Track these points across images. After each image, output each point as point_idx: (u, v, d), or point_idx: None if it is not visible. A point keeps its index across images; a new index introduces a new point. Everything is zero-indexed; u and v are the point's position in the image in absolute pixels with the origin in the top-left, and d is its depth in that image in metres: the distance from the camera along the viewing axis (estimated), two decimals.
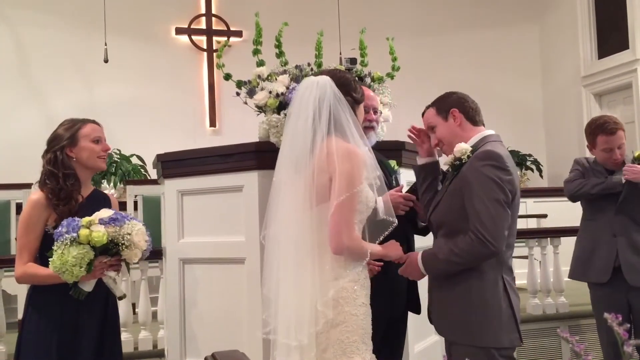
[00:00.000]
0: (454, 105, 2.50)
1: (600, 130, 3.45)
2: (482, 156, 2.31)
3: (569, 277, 3.72)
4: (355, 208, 2.16)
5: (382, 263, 2.46)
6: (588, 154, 3.78)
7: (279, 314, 2.21)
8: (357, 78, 3.56)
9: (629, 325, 1.15)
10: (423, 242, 3.17)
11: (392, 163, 2.96)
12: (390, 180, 2.88)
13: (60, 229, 2.51)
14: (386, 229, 2.27)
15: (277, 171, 2.30)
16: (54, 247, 2.49)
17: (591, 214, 3.56)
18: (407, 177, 3.20)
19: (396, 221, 2.27)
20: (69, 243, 2.47)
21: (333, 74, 2.36)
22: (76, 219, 2.54)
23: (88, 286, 2.59)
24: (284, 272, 2.23)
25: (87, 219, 2.54)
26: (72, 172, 2.69)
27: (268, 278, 2.29)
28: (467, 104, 2.51)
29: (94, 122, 2.83)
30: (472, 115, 2.50)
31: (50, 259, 2.49)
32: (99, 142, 2.78)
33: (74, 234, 2.48)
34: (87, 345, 2.66)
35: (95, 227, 2.53)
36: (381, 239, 2.31)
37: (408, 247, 2.83)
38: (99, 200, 2.80)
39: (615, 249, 3.40)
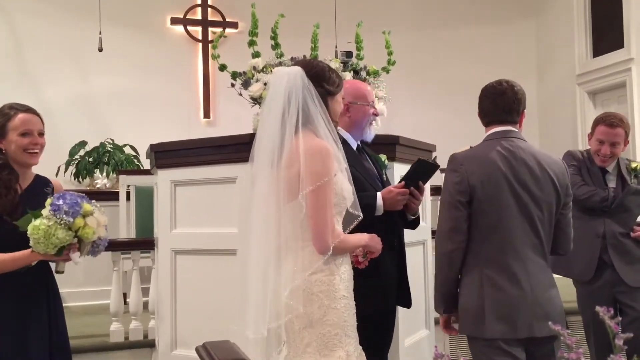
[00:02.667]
0: (478, 106, 2.64)
1: (602, 120, 3.49)
2: (448, 161, 2.53)
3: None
4: (328, 202, 2.14)
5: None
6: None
7: (248, 307, 2.22)
8: (352, 71, 3.57)
9: (620, 319, 1.16)
10: (412, 235, 3.19)
11: (383, 157, 2.96)
12: (381, 174, 2.89)
13: (60, 201, 2.43)
14: (352, 222, 2.27)
15: (253, 164, 2.28)
16: (43, 213, 2.42)
17: (579, 213, 3.54)
18: (400, 171, 3.20)
19: (361, 215, 2.26)
20: (62, 225, 2.42)
21: (306, 64, 2.32)
22: (78, 200, 2.49)
23: (34, 262, 2.55)
24: (253, 266, 2.23)
25: (88, 207, 2.50)
26: (4, 163, 2.59)
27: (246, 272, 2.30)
28: (482, 105, 2.61)
29: (27, 111, 2.65)
30: (483, 116, 2.61)
31: (32, 222, 2.42)
32: (28, 135, 2.61)
33: (71, 219, 2.43)
34: (38, 332, 2.60)
35: (91, 220, 2.49)
36: (349, 229, 2.30)
37: (399, 240, 2.84)
38: (41, 188, 2.69)
39: (599, 249, 3.42)
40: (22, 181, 2.64)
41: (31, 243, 2.44)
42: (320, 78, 2.28)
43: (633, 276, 3.40)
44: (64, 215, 2.42)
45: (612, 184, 3.51)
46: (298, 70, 2.25)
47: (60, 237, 2.42)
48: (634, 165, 3.54)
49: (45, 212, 2.43)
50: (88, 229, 2.48)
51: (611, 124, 3.44)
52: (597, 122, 3.52)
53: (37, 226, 2.40)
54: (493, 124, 2.56)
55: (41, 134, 2.67)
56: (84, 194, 2.61)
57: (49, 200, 2.48)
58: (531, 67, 8.68)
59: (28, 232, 2.43)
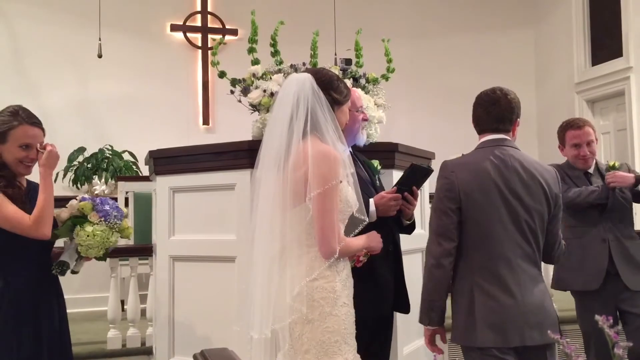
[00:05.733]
0: (472, 112, 2.62)
1: (569, 126, 3.58)
2: (439, 167, 2.53)
3: (553, 288, 3.64)
4: (335, 206, 2.15)
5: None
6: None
7: (252, 309, 2.22)
8: (352, 79, 3.57)
9: (619, 327, 1.16)
10: (410, 243, 3.18)
11: (375, 163, 2.97)
12: (374, 180, 2.88)
13: (107, 207, 2.55)
14: (357, 227, 2.30)
15: (258, 168, 2.29)
16: (93, 220, 2.54)
17: (575, 221, 3.51)
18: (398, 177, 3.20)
19: (367, 219, 2.29)
20: (115, 229, 2.57)
21: (316, 72, 2.35)
22: (115, 203, 2.65)
23: (71, 262, 2.64)
24: (257, 268, 2.24)
25: (125, 209, 2.66)
26: (3, 163, 2.60)
27: (248, 274, 2.32)
28: (475, 113, 2.59)
29: (33, 124, 2.64)
30: (476, 124, 2.59)
31: (82, 229, 2.53)
32: (27, 149, 2.60)
33: (120, 222, 2.58)
34: (51, 340, 2.63)
35: (128, 221, 2.66)
36: (354, 233, 2.32)
37: (395, 245, 2.83)
38: (35, 195, 2.68)
39: (607, 255, 3.39)
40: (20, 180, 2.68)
41: (81, 249, 2.56)
42: (329, 86, 2.30)
43: (635, 280, 3.37)
44: (115, 220, 2.57)
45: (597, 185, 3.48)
46: (307, 76, 2.28)
47: (113, 240, 2.58)
48: (611, 163, 3.57)
49: (92, 217, 2.55)
50: (130, 229, 2.68)
51: (579, 126, 3.55)
52: (564, 130, 3.61)
53: (92, 232, 2.51)
54: (486, 132, 2.55)
55: (39, 148, 2.66)
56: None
57: (88, 206, 2.59)
58: (530, 76, 8.71)
59: (79, 240, 2.54)
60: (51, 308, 2.67)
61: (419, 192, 2.79)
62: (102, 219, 2.56)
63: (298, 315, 2.12)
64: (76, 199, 2.72)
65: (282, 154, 2.20)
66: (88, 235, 2.52)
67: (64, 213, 2.67)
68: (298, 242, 2.17)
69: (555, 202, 2.50)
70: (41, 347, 2.59)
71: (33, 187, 2.72)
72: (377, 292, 2.69)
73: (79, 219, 2.60)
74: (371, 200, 2.67)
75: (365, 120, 2.91)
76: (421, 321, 2.50)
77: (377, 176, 2.93)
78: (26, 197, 2.63)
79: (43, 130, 2.69)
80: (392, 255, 2.79)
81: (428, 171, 2.78)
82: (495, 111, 2.53)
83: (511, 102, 2.55)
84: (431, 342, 2.52)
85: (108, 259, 4.01)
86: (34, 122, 2.65)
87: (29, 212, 2.53)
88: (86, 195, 2.75)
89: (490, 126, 2.54)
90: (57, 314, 2.70)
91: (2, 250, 2.54)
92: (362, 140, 2.92)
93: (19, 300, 2.55)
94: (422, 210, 3.60)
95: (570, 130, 3.58)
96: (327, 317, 2.13)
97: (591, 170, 3.57)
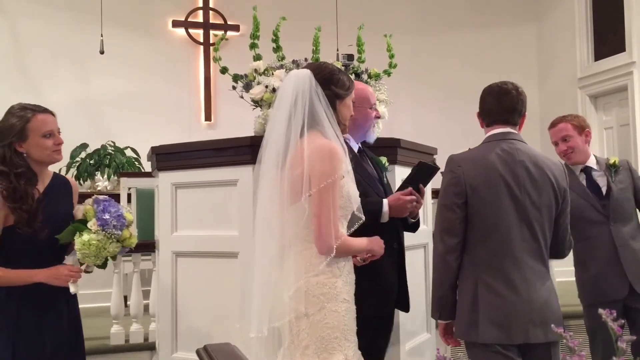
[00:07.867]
0: (479, 106, 2.61)
1: (549, 127, 3.58)
2: (446, 162, 2.53)
3: (586, 304, 3.42)
4: (334, 203, 2.13)
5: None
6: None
7: (251, 307, 2.23)
8: (354, 74, 3.56)
9: (623, 321, 1.15)
10: (413, 239, 3.18)
11: (383, 160, 2.96)
12: (381, 177, 2.88)
13: (107, 215, 2.49)
14: (354, 224, 2.27)
15: (260, 165, 2.29)
16: (90, 226, 2.48)
17: (583, 233, 3.36)
18: (401, 174, 3.20)
19: (364, 218, 2.26)
20: (113, 240, 2.51)
21: (315, 67, 2.33)
22: (120, 210, 2.55)
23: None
24: (257, 266, 2.24)
25: (130, 217, 2.58)
26: (24, 170, 2.50)
27: (251, 272, 2.32)
28: (483, 105, 2.58)
29: (45, 111, 2.58)
30: (484, 116, 2.58)
31: (80, 236, 2.47)
32: (51, 136, 2.55)
33: (119, 232, 2.50)
34: (58, 341, 2.59)
35: (133, 230, 2.59)
36: (350, 231, 2.29)
37: (399, 243, 2.83)
38: (59, 188, 2.65)
39: (619, 262, 3.26)
40: (40, 182, 2.58)
41: (78, 255, 2.51)
42: (329, 81, 2.27)
43: None
44: (113, 229, 2.49)
45: (602, 186, 3.38)
46: (306, 72, 2.26)
47: (111, 250, 2.52)
48: (612, 161, 3.48)
49: (91, 225, 2.49)
50: (133, 238, 2.58)
51: (552, 124, 3.55)
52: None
53: (87, 242, 2.47)
54: (495, 125, 2.53)
55: (59, 132, 2.62)
56: (111, 199, 2.64)
57: (90, 212, 2.53)
58: (533, 71, 8.69)
59: (76, 247, 2.49)
60: (59, 311, 2.64)
61: (424, 189, 2.78)
62: (100, 228, 2.49)
63: (295, 314, 2.12)
64: (91, 198, 2.65)
65: (280, 152, 2.19)
66: (84, 244, 2.47)
67: (78, 212, 2.62)
68: (297, 238, 2.17)
69: (564, 196, 2.48)
70: (44, 351, 2.55)
71: (58, 184, 2.66)
72: (379, 290, 2.69)
73: (81, 224, 2.55)
74: (385, 201, 2.66)
75: (377, 117, 2.88)
76: (433, 315, 2.56)
77: (384, 173, 2.93)
78: (44, 200, 2.53)
79: (54, 115, 2.64)
80: (396, 253, 2.79)
81: (435, 169, 2.76)
82: (507, 102, 2.52)
83: (521, 95, 2.57)
84: (445, 335, 2.55)
85: None
86: (45, 109, 2.60)
87: (41, 219, 2.46)
88: (100, 197, 2.64)
89: (501, 117, 2.52)
90: (67, 317, 2.67)
91: (13, 253, 2.50)
92: (372, 137, 2.89)
93: (20, 304, 2.51)
94: (424, 206, 3.60)
95: (549, 130, 3.57)
96: (326, 312, 2.12)
97: (593, 165, 3.45)
